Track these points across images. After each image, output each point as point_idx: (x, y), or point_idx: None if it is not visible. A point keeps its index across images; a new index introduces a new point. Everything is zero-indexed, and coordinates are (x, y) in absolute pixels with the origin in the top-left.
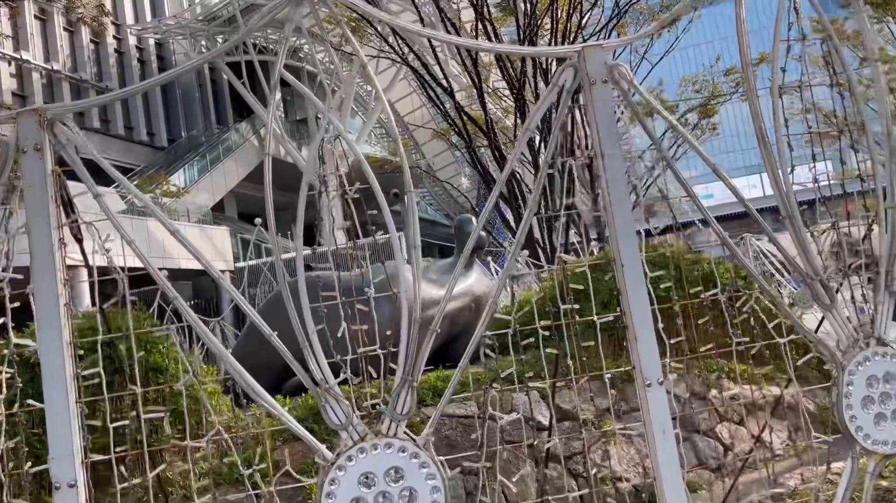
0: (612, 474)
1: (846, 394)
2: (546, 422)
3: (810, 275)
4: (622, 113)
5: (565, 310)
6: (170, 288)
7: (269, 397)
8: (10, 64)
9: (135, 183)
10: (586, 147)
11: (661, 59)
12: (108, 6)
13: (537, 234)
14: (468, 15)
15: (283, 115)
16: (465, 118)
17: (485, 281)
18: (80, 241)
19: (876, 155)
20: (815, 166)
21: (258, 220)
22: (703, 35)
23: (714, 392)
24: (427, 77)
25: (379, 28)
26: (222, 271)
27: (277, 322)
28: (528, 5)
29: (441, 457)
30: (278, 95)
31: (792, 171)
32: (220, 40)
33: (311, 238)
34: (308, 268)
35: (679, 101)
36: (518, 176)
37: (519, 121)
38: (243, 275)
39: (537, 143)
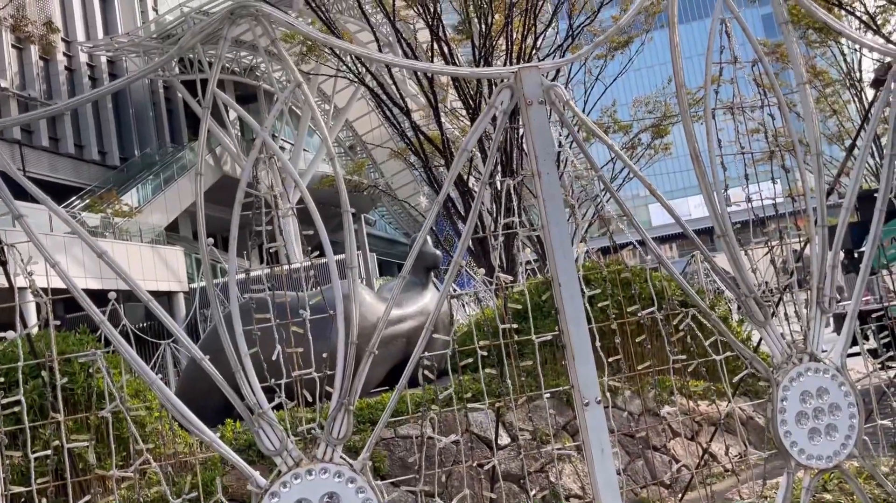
0: (564, 491)
1: (780, 410)
2: (503, 441)
3: (745, 292)
4: (561, 134)
5: (504, 330)
6: (96, 311)
7: (201, 424)
8: None
9: (85, 202)
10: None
11: (615, 79)
12: (59, 23)
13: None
14: (424, 36)
15: (239, 134)
16: (421, 138)
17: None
18: (3, 263)
19: (806, 175)
20: (748, 187)
21: (209, 241)
22: (657, 57)
23: (667, 408)
24: (383, 96)
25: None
26: (176, 292)
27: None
28: (484, 26)
29: (379, 482)
30: (233, 115)
31: (726, 189)
32: (174, 59)
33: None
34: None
35: (633, 121)
36: (474, 194)
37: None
38: (195, 296)
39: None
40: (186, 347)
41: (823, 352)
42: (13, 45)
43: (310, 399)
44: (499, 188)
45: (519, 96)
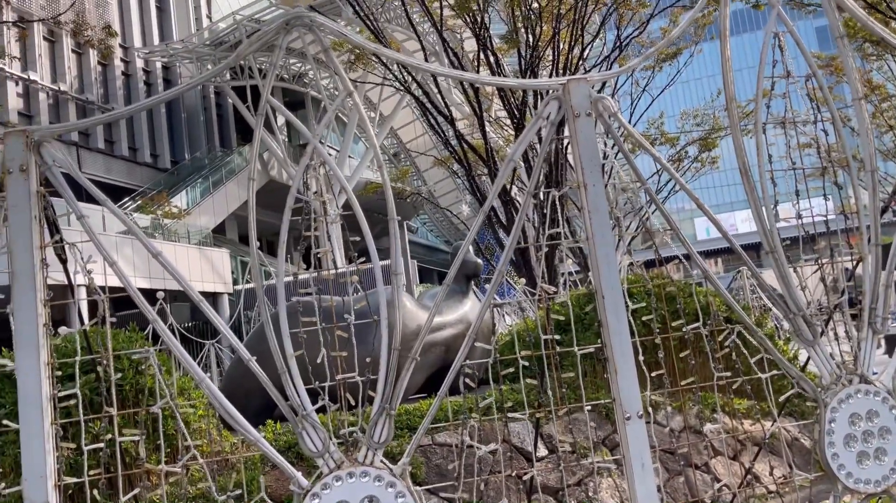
0: None
1: (828, 432)
2: (541, 453)
3: (793, 310)
4: (606, 145)
5: (546, 341)
6: (149, 309)
7: (246, 423)
8: (17, 84)
9: (137, 203)
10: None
11: (662, 91)
12: (117, 29)
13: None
14: (471, 45)
15: (286, 140)
16: (465, 146)
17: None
18: (63, 261)
19: (860, 192)
20: (798, 203)
21: (257, 244)
22: (705, 69)
23: (709, 426)
24: (429, 105)
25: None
26: (220, 293)
27: (268, 347)
28: (531, 37)
29: (417, 488)
30: (281, 120)
31: (776, 205)
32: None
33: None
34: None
35: (680, 134)
36: (517, 204)
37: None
38: (240, 298)
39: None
40: (234, 347)
41: (874, 374)
42: (73, 50)
43: (352, 402)
44: (542, 199)
45: (567, 108)
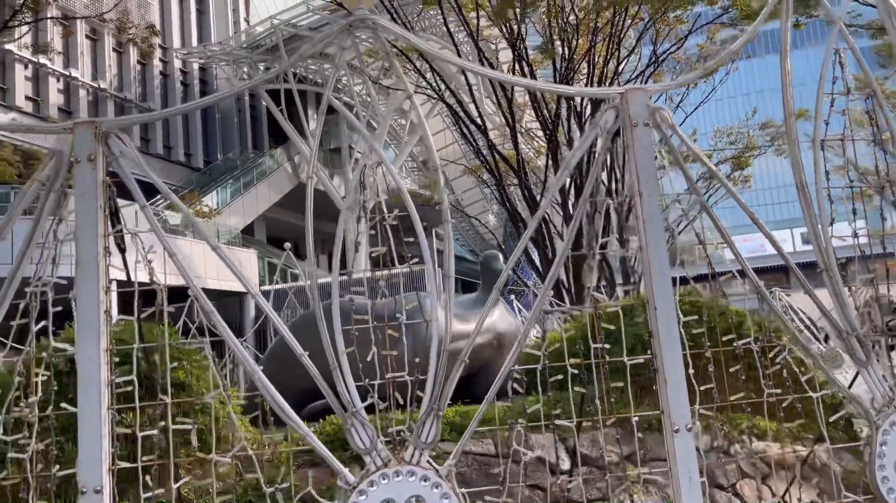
0: None
1: (879, 455)
2: (563, 465)
3: (847, 329)
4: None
5: (596, 350)
6: (206, 301)
7: (296, 417)
8: (58, 80)
9: (168, 202)
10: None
11: (697, 108)
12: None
13: (562, 275)
14: (506, 56)
15: (318, 144)
16: (497, 156)
17: (508, 318)
18: (123, 251)
19: None
20: (855, 222)
21: (287, 245)
22: (740, 87)
23: (737, 447)
24: (462, 114)
25: (417, 63)
26: (246, 293)
27: (302, 345)
28: (567, 49)
29: (462, 490)
30: (315, 124)
31: (832, 224)
32: (261, 68)
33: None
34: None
35: (713, 151)
36: (546, 217)
37: (550, 161)
38: (268, 299)
39: (566, 184)
40: (288, 342)
41: None
42: (114, 49)
43: (401, 401)
44: (595, 206)
45: (624, 117)
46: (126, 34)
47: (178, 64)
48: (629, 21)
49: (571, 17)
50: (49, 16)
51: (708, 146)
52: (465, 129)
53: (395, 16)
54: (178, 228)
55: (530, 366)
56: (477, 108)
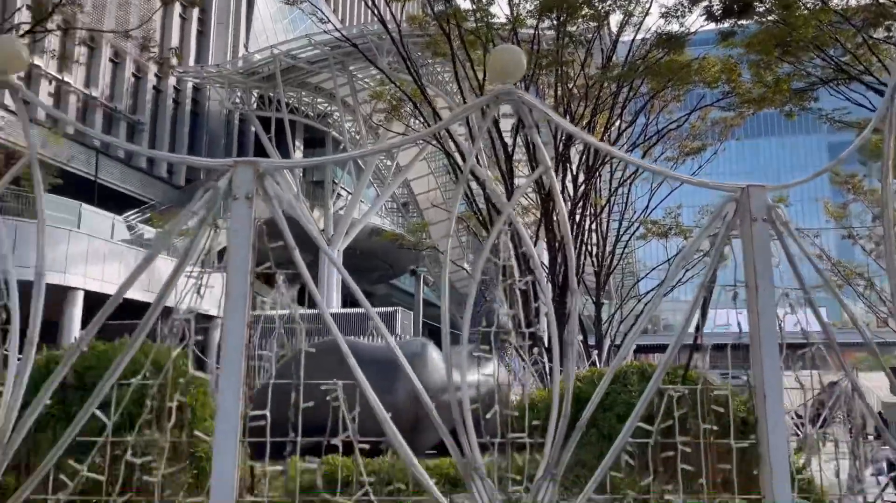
0: None
1: None
2: None
3: None
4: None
5: (705, 430)
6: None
7: (413, 457)
8: (50, 83)
9: (146, 216)
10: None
11: (682, 183)
12: (156, 46)
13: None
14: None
15: (301, 175)
16: (491, 209)
17: (499, 372)
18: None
19: None
20: None
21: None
22: (728, 166)
23: None
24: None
25: (423, 112)
26: (213, 316)
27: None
28: (568, 117)
29: None
30: (299, 154)
31: None
32: (255, 94)
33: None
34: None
35: (695, 227)
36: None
37: (541, 216)
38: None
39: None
40: (416, 387)
41: None
42: (110, 59)
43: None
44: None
45: (744, 211)
46: (149, 50)
47: (172, 81)
48: (633, 94)
49: (573, 87)
50: (49, 27)
51: (692, 222)
52: (459, 178)
53: (409, 64)
54: (151, 243)
55: (642, 440)
56: (478, 161)
